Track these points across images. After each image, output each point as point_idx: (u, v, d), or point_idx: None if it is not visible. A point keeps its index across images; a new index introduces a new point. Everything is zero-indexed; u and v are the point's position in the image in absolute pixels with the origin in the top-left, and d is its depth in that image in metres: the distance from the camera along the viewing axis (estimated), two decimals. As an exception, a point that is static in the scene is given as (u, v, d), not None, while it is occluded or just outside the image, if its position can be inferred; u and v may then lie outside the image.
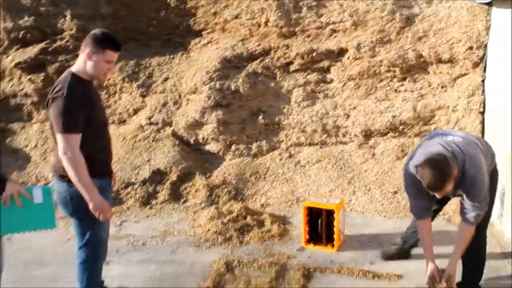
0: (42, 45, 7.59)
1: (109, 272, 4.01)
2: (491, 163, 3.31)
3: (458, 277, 3.40)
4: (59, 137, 2.89)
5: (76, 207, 3.07)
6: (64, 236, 4.92)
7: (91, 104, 3.04)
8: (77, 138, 2.91)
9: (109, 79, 7.30)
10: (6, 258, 2.94)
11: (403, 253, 4.18)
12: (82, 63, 3.05)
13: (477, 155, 3.05)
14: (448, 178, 2.88)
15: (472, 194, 3.07)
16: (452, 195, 3.23)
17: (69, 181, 2.99)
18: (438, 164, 2.87)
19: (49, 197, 2.87)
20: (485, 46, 5.62)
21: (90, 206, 2.97)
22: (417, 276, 3.81)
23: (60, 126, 2.87)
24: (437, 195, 3.04)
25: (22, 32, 7.54)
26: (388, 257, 4.21)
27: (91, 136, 3.01)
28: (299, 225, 4.71)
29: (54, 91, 2.96)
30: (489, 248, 4.18)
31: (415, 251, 4.14)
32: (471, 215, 3.11)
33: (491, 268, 3.86)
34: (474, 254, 3.31)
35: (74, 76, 3.02)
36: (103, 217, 3.04)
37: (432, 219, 3.54)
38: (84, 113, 2.96)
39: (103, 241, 3.33)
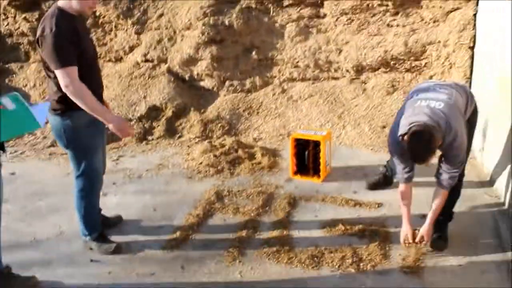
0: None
1: (106, 203, 4.25)
2: (471, 104, 3.44)
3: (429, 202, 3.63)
4: (57, 72, 3.02)
5: (70, 138, 3.27)
6: (64, 170, 5.16)
7: (80, 38, 3.14)
8: (74, 70, 3.04)
9: (104, 16, 7.33)
10: (8, 191, 3.12)
11: (386, 181, 4.40)
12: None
13: (458, 121, 3.13)
14: (432, 151, 3.03)
15: (450, 159, 3.20)
16: None
17: (61, 115, 3.17)
18: (422, 137, 2.98)
19: (19, 102, 2.73)
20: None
21: (111, 127, 3.17)
22: (396, 204, 3.99)
23: (56, 62, 3.00)
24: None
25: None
26: (372, 185, 4.43)
27: (82, 69, 3.13)
28: (288, 158, 4.90)
29: (42, 28, 3.07)
30: (468, 179, 4.43)
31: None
32: (445, 177, 3.25)
33: (468, 197, 4.08)
34: (451, 195, 3.44)
35: (60, 11, 3.10)
36: (126, 135, 3.29)
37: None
38: (74, 47, 3.07)
39: (98, 170, 3.54)
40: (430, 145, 3.00)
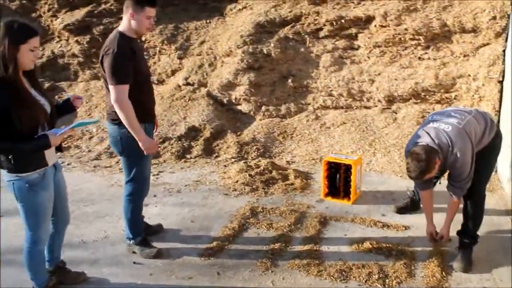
0: (88, 8, 8.08)
1: (148, 213, 4.52)
2: (491, 130, 3.63)
3: (457, 227, 3.77)
4: (111, 88, 3.37)
5: (125, 146, 3.59)
6: (108, 181, 5.47)
7: (137, 58, 3.49)
8: (126, 88, 3.38)
9: (149, 41, 7.75)
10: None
11: (413, 204, 4.57)
12: (127, 22, 3.48)
13: (463, 143, 3.38)
14: (426, 171, 3.33)
15: (454, 176, 3.52)
16: None
17: (119, 124, 3.49)
18: (418, 158, 3.31)
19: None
20: (508, 16, 5.75)
21: (140, 144, 3.46)
22: (422, 228, 4.16)
23: (112, 79, 3.34)
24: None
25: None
26: (400, 209, 4.59)
27: (137, 86, 3.47)
28: (320, 181, 5.09)
29: (105, 49, 3.41)
30: (496, 208, 4.57)
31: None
32: (452, 189, 3.58)
33: (494, 224, 4.25)
34: (472, 207, 3.66)
35: (121, 34, 3.46)
36: (150, 152, 3.56)
37: (434, 184, 4.02)
38: (131, 66, 3.40)
39: (146, 177, 3.86)
40: (425, 164, 3.31)
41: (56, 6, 8.31)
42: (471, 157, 3.43)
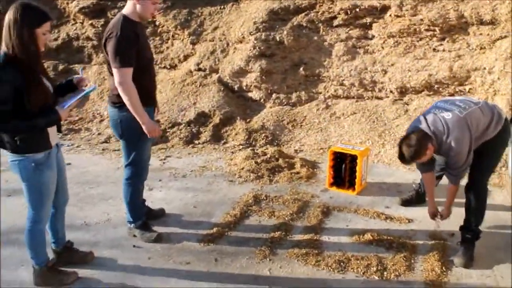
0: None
1: (151, 197, 4.57)
2: (497, 123, 3.56)
3: (459, 222, 3.71)
4: (115, 71, 3.36)
5: (125, 129, 3.60)
6: (115, 165, 5.51)
7: (140, 42, 3.48)
8: (129, 71, 3.37)
9: (163, 26, 7.74)
10: (68, 182, 3.46)
11: (418, 197, 4.53)
12: (131, 6, 3.47)
13: (461, 132, 3.36)
14: (416, 156, 3.40)
15: (449, 163, 3.54)
16: None
17: (119, 107, 3.50)
18: (409, 143, 3.38)
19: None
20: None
21: (143, 127, 3.47)
22: (426, 221, 4.13)
23: (115, 62, 3.34)
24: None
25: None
26: (405, 201, 4.55)
27: (140, 70, 3.46)
28: (326, 171, 5.06)
29: (109, 32, 3.40)
30: (503, 203, 4.50)
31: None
32: (448, 175, 3.63)
33: (499, 221, 4.21)
34: (474, 202, 3.61)
35: (125, 18, 3.45)
36: (153, 135, 3.56)
37: (440, 178, 4.19)
38: (134, 50, 3.40)
39: (145, 161, 3.86)
40: (415, 150, 3.37)
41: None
42: (468, 147, 3.39)
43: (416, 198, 4.53)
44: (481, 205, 3.65)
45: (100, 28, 7.96)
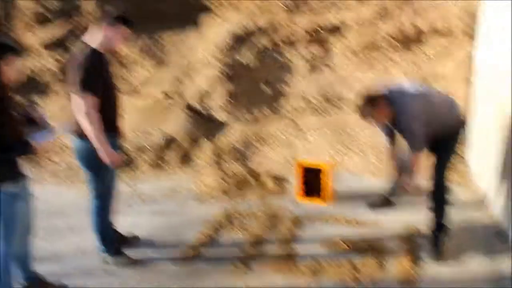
0: (65, 23, 8.06)
1: (122, 222, 4.49)
2: (452, 114, 3.84)
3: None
4: (79, 100, 3.36)
5: (89, 160, 3.58)
6: (82, 195, 5.42)
7: (104, 72, 3.50)
8: (94, 99, 3.38)
9: (125, 53, 7.75)
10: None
11: (385, 201, 4.68)
12: (96, 36, 3.49)
13: (413, 105, 3.66)
14: (367, 110, 3.75)
15: (404, 136, 3.79)
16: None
17: (83, 139, 3.47)
18: (364, 98, 3.76)
19: None
20: (477, 18, 5.85)
21: (105, 158, 3.46)
22: (394, 223, 4.28)
23: (78, 89, 3.34)
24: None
25: (45, 12, 8.01)
26: (372, 205, 4.70)
27: (103, 99, 3.47)
28: (295, 184, 5.11)
29: (73, 61, 3.42)
30: (466, 200, 4.63)
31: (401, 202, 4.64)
32: (410, 148, 3.76)
33: (465, 217, 4.34)
34: (436, 197, 3.81)
35: (89, 47, 3.45)
36: (114, 164, 3.55)
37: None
38: (98, 79, 3.41)
39: (112, 190, 3.85)
40: (366, 104, 3.73)
41: (31, 21, 8.28)
42: (419, 122, 3.64)
43: (383, 201, 4.64)
44: (443, 199, 3.84)
45: (63, 61, 7.90)
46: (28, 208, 3.20)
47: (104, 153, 3.46)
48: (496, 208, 4.27)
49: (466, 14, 6.06)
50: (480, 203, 4.63)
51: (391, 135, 4.36)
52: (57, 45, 8.07)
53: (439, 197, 3.77)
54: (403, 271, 3.49)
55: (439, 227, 3.78)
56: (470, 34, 5.99)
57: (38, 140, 2.96)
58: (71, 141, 3.72)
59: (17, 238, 3.09)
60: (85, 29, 7.83)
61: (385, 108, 3.71)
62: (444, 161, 3.80)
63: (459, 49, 6.08)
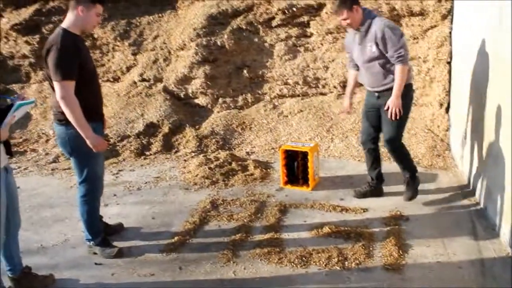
0: (35, 6, 7.89)
1: (108, 213, 4.52)
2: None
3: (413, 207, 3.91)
4: (56, 84, 3.31)
5: (74, 146, 3.54)
6: (67, 184, 5.41)
7: (82, 55, 3.44)
8: (71, 84, 3.33)
9: (102, 38, 7.64)
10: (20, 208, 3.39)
11: (372, 191, 4.69)
12: (72, 18, 3.44)
13: (392, 25, 4.07)
14: (342, 5, 4.00)
15: (388, 48, 4.01)
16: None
17: (66, 124, 3.44)
18: None
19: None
20: (453, -1, 5.92)
21: (87, 142, 3.43)
22: (380, 209, 4.35)
23: (56, 75, 3.29)
24: (339, 19, 4.16)
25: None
26: (359, 194, 4.70)
27: (83, 83, 3.42)
28: (279, 170, 5.16)
29: (49, 45, 3.35)
30: (449, 185, 4.76)
31: (386, 189, 4.72)
32: (397, 60, 4.01)
33: (448, 201, 4.49)
34: (397, 153, 4.40)
35: (65, 31, 3.41)
36: (99, 149, 3.51)
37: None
38: (76, 63, 3.36)
39: (99, 177, 3.81)
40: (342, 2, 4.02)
41: (0, 5, 8.10)
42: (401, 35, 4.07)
43: (370, 192, 4.69)
44: (404, 152, 4.45)
45: (36, 45, 7.77)
46: (12, 200, 3.16)
47: (87, 137, 3.43)
48: (479, 192, 4.39)
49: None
50: (464, 187, 4.74)
51: (357, 68, 4.54)
52: (31, 29, 7.91)
53: (401, 152, 4.39)
54: (389, 257, 3.57)
55: (409, 170, 4.41)
56: (445, 15, 6.03)
57: (2, 125, 2.87)
58: (54, 128, 3.69)
59: (2, 230, 3.05)
60: (58, 11, 7.75)
61: (359, 13, 4.05)
62: (398, 124, 4.22)
63: (436, 30, 6.13)
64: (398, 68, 4.03)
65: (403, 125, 4.30)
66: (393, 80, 4.10)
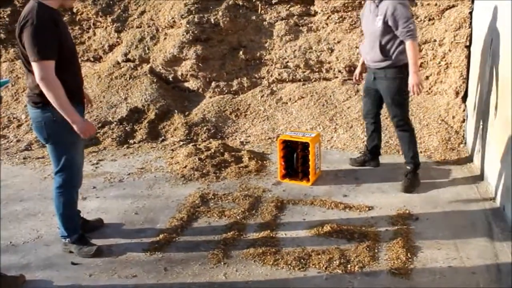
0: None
1: (86, 207, 4.52)
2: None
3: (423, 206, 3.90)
4: (34, 65, 3.27)
5: (51, 132, 3.51)
6: (40, 175, 5.39)
7: (61, 31, 3.41)
8: (51, 64, 3.29)
9: (82, 13, 7.58)
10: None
11: (371, 161, 5.23)
12: None
13: (403, 2, 4.40)
14: None
15: (397, 23, 4.36)
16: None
17: (42, 108, 3.41)
18: None
19: None
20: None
21: (74, 127, 3.40)
22: (386, 207, 4.35)
23: (34, 54, 3.24)
24: None
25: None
26: (356, 163, 5.20)
27: (63, 63, 3.39)
28: (277, 162, 5.15)
29: (23, 21, 3.31)
30: (464, 181, 4.77)
31: (393, 186, 4.78)
32: (407, 34, 4.35)
33: (462, 198, 4.50)
34: (403, 136, 4.77)
35: (40, 4, 3.35)
36: (87, 135, 3.49)
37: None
38: (55, 40, 3.33)
39: (78, 166, 3.78)
40: None
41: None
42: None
43: (364, 161, 5.24)
44: (412, 137, 4.74)
45: (7, 19, 7.69)
46: None
47: (74, 122, 3.40)
48: (496, 190, 4.39)
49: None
50: (479, 184, 4.75)
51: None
52: (1, 1, 7.83)
53: (407, 135, 4.72)
54: (396, 260, 3.57)
55: (411, 162, 4.73)
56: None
57: None
58: (28, 111, 3.65)
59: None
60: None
61: None
62: (400, 102, 4.66)
63: (454, 10, 6.11)
64: (408, 44, 4.37)
65: (406, 103, 4.74)
66: (388, 63, 4.56)
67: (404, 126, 4.73)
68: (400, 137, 4.83)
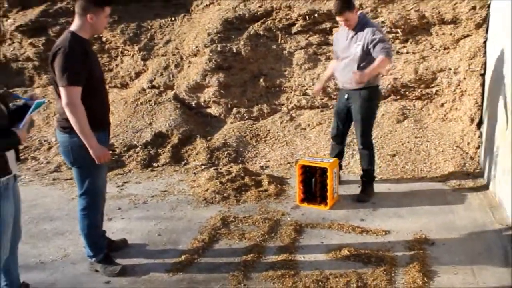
0: (42, 7, 8.01)
1: (112, 227, 4.54)
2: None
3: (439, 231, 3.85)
4: (62, 90, 3.36)
5: (76, 156, 3.58)
6: (68, 195, 5.45)
7: (90, 60, 3.50)
8: (78, 90, 3.37)
9: (110, 42, 7.73)
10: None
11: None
12: (80, 22, 3.50)
13: (374, 29, 4.69)
14: (345, 7, 4.59)
15: (375, 45, 4.57)
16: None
17: (69, 132, 3.48)
18: None
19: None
20: (488, 6, 5.87)
21: (91, 152, 3.46)
22: (403, 232, 4.30)
23: (62, 79, 3.34)
24: (339, 20, 4.74)
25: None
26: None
27: (90, 90, 3.47)
28: (296, 186, 5.14)
29: (56, 49, 3.41)
30: (480, 207, 4.70)
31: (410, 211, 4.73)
32: (381, 51, 4.54)
33: (479, 224, 4.42)
34: (365, 154, 5.09)
35: (73, 34, 3.47)
36: (102, 161, 3.54)
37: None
38: (84, 68, 3.41)
39: (101, 190, 3.84)
40: (345, 2, 4.60)
41: (6, 4, 8.24)
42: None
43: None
44: (371, 154, 5.08)
45: (42, 47, 7.89)
46: (17, 210, 3.18)
47: (91, 147, 3.46)
48: (510, 213, 4.33)
49: (475, 0, 6.07)
50: (496, 210, 4.68)
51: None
52: (37, 30, 8.03)
53: (368, 152, 5.04)
54: (412, 284, 3.53)
55: (368, 175, 5.11)
56: (479, 23, 6.00)
57: (20, 125, 2.91)
58: (56, 135, 3.73)
59: (6, 243, 3.07)
60: (65, 12, 7.85)
61: (357, 15, 4.69)
62: (367, 124, 4.97)
63: (469, 39, 6.11)
64: (380, 58, 4.55)
65: (371, 124, 5.06)
66: (362, 85, 4.71)
67: (369, 145, 5.07)
68: (363, 154, 5.10)
